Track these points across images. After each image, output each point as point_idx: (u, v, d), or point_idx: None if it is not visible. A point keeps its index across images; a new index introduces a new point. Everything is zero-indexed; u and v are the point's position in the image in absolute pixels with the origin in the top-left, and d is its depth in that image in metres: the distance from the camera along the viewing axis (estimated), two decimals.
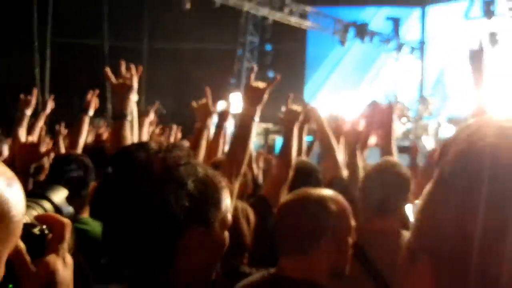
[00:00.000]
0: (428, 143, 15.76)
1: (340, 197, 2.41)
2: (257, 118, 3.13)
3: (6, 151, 5.63)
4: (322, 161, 5.22)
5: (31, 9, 18.91)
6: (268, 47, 23.25)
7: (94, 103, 5.58)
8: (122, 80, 3.10)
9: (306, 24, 20.79)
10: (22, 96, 5.97)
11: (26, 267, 1.19)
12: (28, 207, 1.27)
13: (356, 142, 4.43)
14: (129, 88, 3.08)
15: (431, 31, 22.21)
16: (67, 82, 20.99)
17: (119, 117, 3.02)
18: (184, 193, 1.51)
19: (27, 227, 1.19)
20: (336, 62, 22.92)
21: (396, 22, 21.12)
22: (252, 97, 3.16)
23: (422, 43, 22.17)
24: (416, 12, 22.60)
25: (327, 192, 2.45)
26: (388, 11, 21.84)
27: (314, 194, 2.39)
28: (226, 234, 1.65)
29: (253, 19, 22.91)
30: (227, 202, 1.65)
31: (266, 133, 18.40)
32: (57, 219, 1.27)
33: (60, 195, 1.59)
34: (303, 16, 20.58)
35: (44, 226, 1.25)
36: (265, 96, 3.16)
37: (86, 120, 5.46)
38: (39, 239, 1.23)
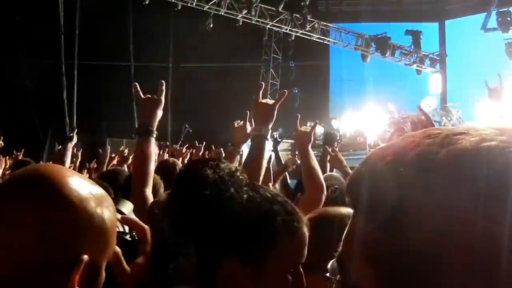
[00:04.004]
0: None
1: None
2: (269, 136, 2.99)
3: None
4: None
5: (59, 33, 19.19)
6: (292, 63, 23.35)
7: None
8: (150, 96, 2.98)
9: (328, 40, 20.93)
10: (58, 147, 6.07)
11: (123, 269, 1.36)
12: None
13: None
14: (157, 102, 2.95)
15: (450, 44, 22.26)
16: (95, 104, 21.23)
17: (145, 133, 2.88)
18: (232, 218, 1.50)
19: (120, 235, 1.34)
20: (360, 76, 22.93)
21: (416, 35, 21.18)
22: (262, 114, 3.01)
23: (442, 55, 22.18)
24: (435, 26, 22.68)
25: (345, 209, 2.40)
26: (408, 26, 21.89)
27: (333, 212, 2.30)
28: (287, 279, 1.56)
29: (276, 37, 23.07)
30: (293, 242, 1.56)
31: (293, 149, 18.41)
32: (140, 224, 1.44)
33: (127, 207, 1.68)
34: (325, 32, 20.73)
35: (134, 233, 1.43)
36: (275, 113, 3.01)
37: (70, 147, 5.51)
38: (131, 244, 1.41)
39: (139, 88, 2.98)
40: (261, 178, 2.85)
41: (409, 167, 0.74)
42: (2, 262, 1.06)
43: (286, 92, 3.18)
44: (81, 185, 1.14)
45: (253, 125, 3.13)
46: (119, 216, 1.47)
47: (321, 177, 3.70)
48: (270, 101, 3.04)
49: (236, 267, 1.49)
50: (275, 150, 9.26)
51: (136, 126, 3.02)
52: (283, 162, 8.07)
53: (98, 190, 1.17)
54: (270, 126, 2.99)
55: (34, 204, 1.08)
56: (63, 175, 1.14)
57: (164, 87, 3.00)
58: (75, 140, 6.31)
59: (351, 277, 0.81)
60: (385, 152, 0.78)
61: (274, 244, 1.52)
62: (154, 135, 2.90)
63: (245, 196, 1.55)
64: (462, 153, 0.72)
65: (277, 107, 3.01)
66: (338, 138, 18.54)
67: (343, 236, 0.87)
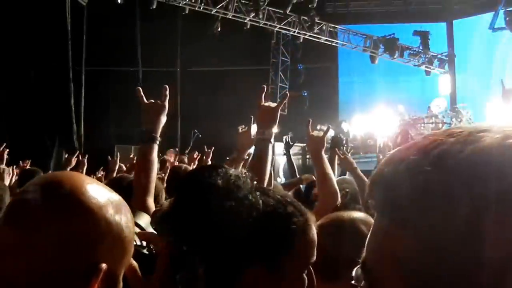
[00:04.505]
0: None
1: (371, 219, 2.25)
2: (272, 139, 2.93)
3: None
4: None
5: (66, 39, 19.22)
6: (300, 66, 23.29)
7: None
8: (154, 100, 2.94)
9: (336, 42, 20.87)
10: (66, 157, 6.16)
11: (140, 282, 1.35)
12: None
13: None
14: (161, 107, 2.90)
15: (458, 44, 22.13)
16: (102, 111, 21.26)
17: (149, 140, 2.83)
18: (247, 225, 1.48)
19: (138, 248, 1.33)
20: (369, 78, 22.85)
21: (424, 36, 21.05)
22: (265, 117, 2.95)
23: (450, 55, 22.04)
24: (442, 26, 22.57)
25: (357, 214, 2.37)
26: (416, 27, 21.80)
27: (347, 217, 2.32)
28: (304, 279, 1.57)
29: (284, 39, 23.04)
30: (307, 242, 1.58)
31: (304, 153, 18.34)
32: (158, 238, 1.44)
33: (144, 219, 1.80)
34: (333, 34, 20.67)
35: (152, 246, 1.42)
36: (278, 115, 2.95)
37: None
38: (149, 258, 1.40)
39: (142, 93, 2.92)
40: (266, 181, 2.82)
41: (433, 167, 0.73)
42: (19, 268, 1.06)
43: (288, 95, 3.22)
44: (100, 192, 1.14)
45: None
46: (136, 229, 1.48)
47: (335, 183, 3.67)
48: (272, 104, 2.98)
49: (259, 274, 1.49)
50: (287, 154, 9.19)
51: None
52: (295, 166, 8.03)
53: (116, 197, 1.18)
54: (273, 129, 2.93)
55: (52, 211, 1.08)
56: (81, 182, 1.14)
57: (167, 92, 2.94)
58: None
59: (378, 285, 0.80)
60: (407, 152, 0.77)
61: (294, 245, 1.53)
62: (157, 142, 2.85)
63: (261, 201, 1.54)
64: (487, 151, 0.71)
65: (279, 110, 2.96)
66: (344, 141, 18.46)
67: (367, 242, 0.85)
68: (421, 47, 21.06)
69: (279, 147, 16.91)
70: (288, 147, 9.51)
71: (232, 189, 1.54)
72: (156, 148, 2.83)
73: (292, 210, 1.57)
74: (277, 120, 2.94)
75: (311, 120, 3.90)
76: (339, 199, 3.66)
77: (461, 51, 22.08)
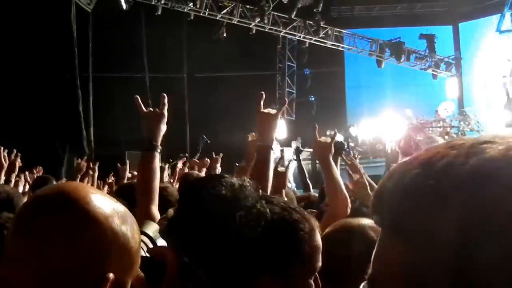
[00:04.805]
0: None
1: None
2: (273, 146, 2.91)
3: None
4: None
5: (72, 46, 19.27)
6: (307, 71, 23.26)
7: None
8: (153, 109, 2.92)
9: (342, 46, 20.84)
10: (77, 161, 6.32)
11: None
12: None
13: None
14: (159, 116, 2.88)
15: (465, 47, 22.05)
16: (111, 117, 21.26)
17: (149, 148, 2.82)
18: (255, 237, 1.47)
19: (145, 258, 1.35)
20: (376, 82, 22.79)
21: (430, 39, 20.96)
22: (265, 124, 2.92)
23: (457, 58, 21.94)
24: (449, 28, 22.51)
25: (366, 220, 2.34)
26: (421, 30, 21.72)
27: (355, 224, 2.33)
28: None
29: (289, 44, 23.02)
30: (313, 247, 1.57)
31: (313, 158, 18.29)
32: (169, 252, 1.43)
33: (152, 228, 1.80)
34: (339, 38, 20.64)
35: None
36: (277, 122, 2.93)
37: None
38: (158, 270, 1.40)
39: (140, 102, 2.92)
40: (269, 189, 2.78)
41: (437, 181, 0.72)
42: (27, 277, 1.08)
43: (287, 101, 3.23)
44: (105, 203, 1.16)
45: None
46: (145, 239, 1.54)
47: (344, 189, 3.63)
48: (272, 111, 2.95)
49: (269, 283, 1.49)
50: (297, 159, 9.20)
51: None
52: (305, 171, 8.04)
53: (121, 208, 1.19)
54: (274, 136, 2.92)
55: (59, 221, 1.10)
56: (87, 193, 1.15)
57: (166, 100, 2.92)
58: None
59: None
60: (410, 166, 0.76)
61: (301, 252, 1.54)
62: (159, 150, 2.83)
63: (268, 209, 1.54)
64: (491, 163, 0.70)
65: (279, 116, 2.94)
66: (346, 146, 18.41)
67: (373, 257, 0.84)
68: (427, 51, 20.96)
69: (288, 152, 16.92)
70: (298, 152, 9.52)
71: (239, 199, 1.54)
72: (157, 156, 2.82)
73: (298, 217, 1.57)
74: (277, 127, 2.93)
75: (317, 126, 3.88)
76: (350, 206, 3.61)
77: (467, 54, 21.97)
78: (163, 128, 2.87)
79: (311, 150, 16.61)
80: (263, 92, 3.00)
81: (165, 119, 2.88)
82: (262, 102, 2.95)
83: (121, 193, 4.24)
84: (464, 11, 22.00)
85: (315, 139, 3.72)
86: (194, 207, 1.58)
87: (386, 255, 0.80)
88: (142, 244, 1.46)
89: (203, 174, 6.19)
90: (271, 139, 2.89)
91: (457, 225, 0.68)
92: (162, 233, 1.70)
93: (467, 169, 0.71)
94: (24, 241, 1.10)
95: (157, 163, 2.81)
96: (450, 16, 22.44)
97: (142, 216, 2.58)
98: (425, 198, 0.72)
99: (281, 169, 3.70)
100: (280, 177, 3.67)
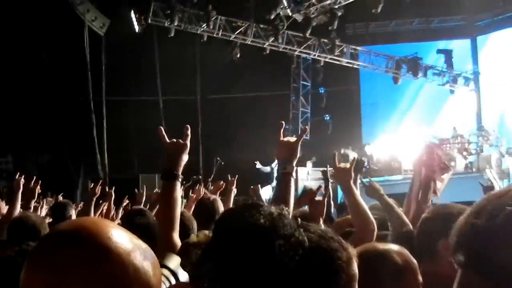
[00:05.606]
0: (492, 175, 15.14)
1: (406, 251, 2.40)
2: (294, 173, 2.98)
3: (74, 216, 5.97)
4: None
5: (86, 70, 19.33)
6: (321, 89, 23.09)
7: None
8: (176, 140, 3.02)
9: (358, 63, 20.65)
10: (91, 187, 6.42)
11: None
12: None
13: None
14: (182, 147, 2.99)
15: (483, 61, 21.69)
16: (125, 140, 21.31)
17: (171, 178, 2.93)
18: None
19: None
20: (392, 99, 22.58)
21: (448, 54, 20.63)
22: (285, 152, 2.99)
23: (476, 73, 21.55)
24: (466, 42, 22.18)
25: (392, 246, 2.43)
26: (439, 44, 21.49)
27: (382, 249, 2.38)
28: None
29: (304, 63, 22.91)
30: (350, 276, 1.53)
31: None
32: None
33: (174, 261, 1.84)
34: (354, 56, 20.45)
35: None
36: (298, 150, 2.99)
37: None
38: None
39: (164, 133, 3.02)
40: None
41: None
42: None
43: (307, 128, 3.28)
44: (126, 238, 1.13)
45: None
46: (166, 272, 1.61)
47: (369, 212, 3.71)
48: (292, 139, 3.04)
49: None
50: (326, 185, 9.20)
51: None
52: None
53: (143, 244, 1.16)
54: (294, 163, 2.99)
55: (79, 256, 1.07)
56: (107, 227, 1.13)
57: (189, 132, 3.03)
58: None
59: None
60: (500, 202, 0.70)
61: (338, 281, 1.51)
62: (180, 179, 2.95)
63: (305, 238, 1.52)
64: None
65: (299, 144, 3.01)
66: (366, 164, 18.26)
67: None
68: (445, 66, 20.64)
69: (302, 172, 16.71)
70: (327, 182, 9.69)
71: (278, 227, 1.52)
72: (178, 185, 2.93)
73: (336, 246, 1.54)
74: (298, 154, 2.99)
75: (336, 153, 3.98)
76: (376, 229, 3.66)
77: (485, 67, 21.59)
78: (185, 158, 2.99)
79: (322, 169, 16.53)
80: (283, 122, 3.13)
81: (187, 150, 2.99)
82: (282, 131, 3.04)
83: (131, 219, 4.43)
84: (482, 24, 21.75)
85: (334, 166, 3.79)
86: (231, 236, 1.56)
87: None
88: (163, 278, 1.43)
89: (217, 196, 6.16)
90: (292, 167, 2.96)
91: None
92: (197, 261, 1.65)
93: None
94: (42, 277, 1.06)
95: (178, 191, 2.93)
96: (468, 30, 22.18)
97: (164, 244, 2.77)
98: None
99: (318, 198, 3.75)
100: (319, 205, 3.77)
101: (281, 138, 3.01)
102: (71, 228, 1.14)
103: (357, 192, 3.82)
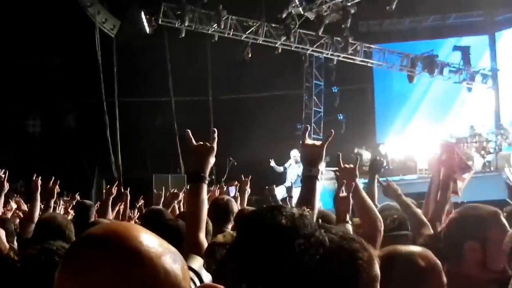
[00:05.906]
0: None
1: (430, 253, 2.38)
2: (319, 176, 3.01)
3: (93, 218, 6.17)
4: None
5: (98, 71, 19.34)
6: (335, 89, 22.87)
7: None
8: (203, 142, 3.10)
9: (372, 62, 20.40)
10: (107, 187, 6.74)
11: None
12: None
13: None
14: (209, 150, 3.07)
15: (502, 57, 21.22)
16: (138, 141, 21.35)
17: (198, 180, 3.00)
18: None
19: None
20: (407, 98, 22.31)
21: (465, 51, 20.07)
22: (310, 155, 3.04)
23: (494, 70, 20.95)
24: (484, 39, 21.74)
25: (416, 248, 2.45)
26: (456, 41, 21.11)
27: (404, 251, 2.38)
28: None
29: (317, 62, 22.71)
30: (372, 277, 1.56)
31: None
32: None
33: (197, 263, 1.94)
34: (368, 54, 20.18)
35: None
36: (323, 154, 3.01)
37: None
38: None
39: (191, 135, 3.10)
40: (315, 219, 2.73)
41: None
42: None
43: (333, 133, 3.26)
44: (157, 242, 1.16)
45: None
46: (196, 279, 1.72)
47: (375, 209, 3.85)
48: (317, 143, 3.08)
49: None
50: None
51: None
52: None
53: (172, 248, 1.19)
54: (319, 167, 3.02)
55: (111, 260, 1.09)
56: (138, 232, 1.15)
57: (216, 135, 3.12)
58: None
59: None
60: None
61: (359, 281, 1.53)
62: (206, 182, 3.03)
63: (326, 238, 1.56)
64: None
65: (325, 148, 3.03)
66: (385, 164, 18.06)
67: None
68: (462, 63, 20.20)
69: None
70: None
71: (299, 227, 1.56)
72: (205, 187, 3.01)
73: (357, 246, 1.58)
74: (323, 158, 3.02)
75: (340, 154, 3.99)
76: (382, 225, 3.76)
77: (504, 64, 21.03)
78: (212, 161, 3.07)
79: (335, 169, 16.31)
80: (308, 126, 3.26)
81: (214, 153, 3.07)
82: (306, 135, 3.09)
83: (149, 219, 4.65)
84: (501, 19, 21.36)
85: (339, 167, 3.92)
86: (253, 236, 1.61)
87: None
88: None
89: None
90: (317, 170, 2.99)
91: None
92: (221, 261, 1.74)
93: None
94: (75, 280, 1.09)
95: (205, 193, 3.01)
96: (486, 25, 21.66)
97: (191, 244, 2.87)
98: None
99: (343, 194, 3.68)
100: (344, 201, 3.69)
101: (306, 142, 3.04)
102: (103, 232, 1.16)
103: (362, 191, 3.91)
